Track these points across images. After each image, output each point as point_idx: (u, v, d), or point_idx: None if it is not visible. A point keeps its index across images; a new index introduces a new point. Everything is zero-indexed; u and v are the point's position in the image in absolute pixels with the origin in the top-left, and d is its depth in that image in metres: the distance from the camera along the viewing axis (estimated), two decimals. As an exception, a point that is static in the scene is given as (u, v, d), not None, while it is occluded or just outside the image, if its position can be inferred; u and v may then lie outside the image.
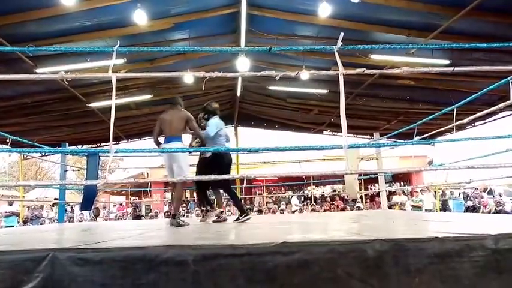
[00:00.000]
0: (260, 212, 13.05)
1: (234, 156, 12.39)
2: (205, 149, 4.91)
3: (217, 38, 7.98)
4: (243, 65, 7.91)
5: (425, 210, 11.49)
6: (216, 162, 4.75)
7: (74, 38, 6.50)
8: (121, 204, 16.20)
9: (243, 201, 14.81)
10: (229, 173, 4.98)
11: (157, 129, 4.48)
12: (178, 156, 4.27)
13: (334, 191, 16.40)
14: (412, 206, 12.25)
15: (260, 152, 3.37)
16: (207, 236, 2.91)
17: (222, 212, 5.28)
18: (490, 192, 13.80)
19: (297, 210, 14.03)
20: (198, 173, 5.12)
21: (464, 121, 5.53)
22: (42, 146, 7.94)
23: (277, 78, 3.10)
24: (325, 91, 9.90)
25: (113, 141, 3.02)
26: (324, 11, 6.22)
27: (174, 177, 4.22)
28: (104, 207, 14.27)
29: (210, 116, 5.12)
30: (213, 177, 3.40)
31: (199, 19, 6.90)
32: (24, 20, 5.75)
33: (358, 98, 10.03)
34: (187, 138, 4.99)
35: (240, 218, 4.82)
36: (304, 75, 3.45)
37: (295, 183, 15.53)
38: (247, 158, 13.51)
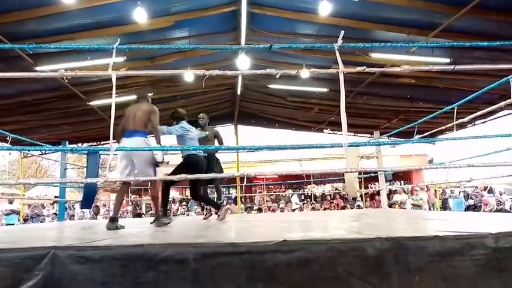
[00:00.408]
0: (260, 210, 13.07)
1: (231, 156, 12.46)
2: (213, 147, 4.92)
3: (217, 36, 7.97)
4: (243, 63, 7.90)
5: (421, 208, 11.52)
6: (186, 167, 4.60)
7: (74, 36, 6.49)
8: (121, 203, 16.16)
9: (243, 199, 14.86)
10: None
11: (121, 124, 4.12)
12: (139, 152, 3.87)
13: (336, 189, 16.40)
14: (412, 204, 12.27)
15: (260, 150, 3.36)
16: (207, 234, 2.91)
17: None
18: (491, 191, 13.79)
19: (297, 208, 14.05)
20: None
21: (465, 120, 5.52)
22: (43, 144, 7.94)
23: (277, 76, 3.10)
24: (325, 89, 9.89)
25: (113, 139, 3.02)
26: (325, 9, 6.21)
27: (132, 173, 3.93)
28: (104, 205, 14.27)
29: (179, 121, 5.06)
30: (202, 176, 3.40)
31: (199, 17, 6.89)
32: (24, 18, 5.74)
33: (358, 96, 10.03)
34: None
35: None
36: (305, 73, 3.45)
37: (296, 181, 15.53)
38: (247, 156, 13.52)
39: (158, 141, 4.08)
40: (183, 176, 3.18)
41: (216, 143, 5.88)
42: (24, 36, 6.12)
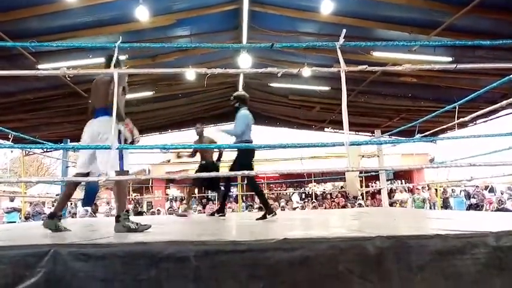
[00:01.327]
0: (260, 209, 13.07)
1: (231, 154, 12.47)
2: (214, 146, 4.93)
3: (219, 34, 7.97)
4: (244, 62, 7.90)
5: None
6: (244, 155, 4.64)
7: (76, 34, 6.49)
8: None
9: (244, 198, 14.87)
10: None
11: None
12: (107, 136, 3.11)
13: (342, 187, 16.39)
14: (413, 203, 12.30)
15: (262, 149, 3.36)
16: (208, 232, 2.91)
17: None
18: (492, 190, 13.79)
19: (297, 207, 14.06)
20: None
21: (466, 119, 5.52)
22: (44, 142, 7.95)
23: (279, 75, 3.10)
24: (327, 88, 9.89)
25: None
26: (326, 7, 6.21)
27: (95, 166, 3.35)
28: (108, 203, 14.29)
29: (242, 106, 4.95)
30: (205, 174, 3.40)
31: (201, 15, 6.88)
32: (27, 16, 5.74)
33: (360, 95, 10.02)
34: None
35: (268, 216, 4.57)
36: (306, 72, 3.45)
37: (296, 180, 15.54)
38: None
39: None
40: (183, 175, 3.20)
41: (215, 152, 6.18)
42: (26, 34, 6.13)
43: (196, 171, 5.66)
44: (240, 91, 5.25)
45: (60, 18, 6.07)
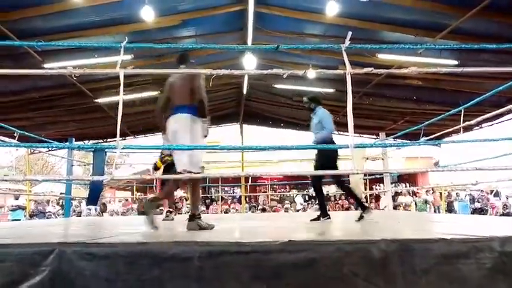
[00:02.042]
0: (264, 210, 13.08)
1: (236, 155, 12.45)
2: (219, 147, 4.92)
3: (224, 35, 7.98)
4: (249, 63, 7.91)
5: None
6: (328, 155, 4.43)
7: (82, 34, 6.52)
8: (126, 200, 16.28)
9: (247, 199, 14.90)
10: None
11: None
12: (185, 133, 3.19)
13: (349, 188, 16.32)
14: (416, 206, 12.27)
15: (266, 150, 3.36)
16: (212, 233, 2.92)
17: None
18: (497, 195, 13.71)
19: (301, 209, 14.04)
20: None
21: (472, 122, 5.49)
22: (50, 140, 8.00)
23: (284, 76, 3.09)
24: (331, 90, 9.87)
25: (119, 137, 3.02)
26: (332, 9, 6.20)
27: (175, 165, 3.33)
28: (110, 202, 14.36)
29: (316, 106, 4.87)
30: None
31: (206, 16, 6.90)
32: (33, 15, 5.78)
33: (364, 97, 9.99)
34: None
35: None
36: (311, 74, 3.44)
37: (300, 182, 15.51)
38: (252, 156, 13.51)
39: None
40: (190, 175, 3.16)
41: None
42: (32, 33, 6.17)
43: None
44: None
45: (67, 18, 6.10)
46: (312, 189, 4.87)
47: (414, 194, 14.23)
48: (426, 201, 12.18)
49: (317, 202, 5.21)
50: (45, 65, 6.80)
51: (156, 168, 5.60)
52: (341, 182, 4.87)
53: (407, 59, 7.42)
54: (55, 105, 9.18)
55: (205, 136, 3.37)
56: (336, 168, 4.40)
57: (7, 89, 7.87)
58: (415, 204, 12.67)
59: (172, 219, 5.37)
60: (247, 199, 14.09)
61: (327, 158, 4.47)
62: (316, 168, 4.66)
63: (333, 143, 4.52)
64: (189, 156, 3.14)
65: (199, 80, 3.31)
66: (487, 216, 9.40)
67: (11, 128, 6.08)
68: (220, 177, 14.46)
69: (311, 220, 4.50)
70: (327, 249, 1.99)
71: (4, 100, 8.25)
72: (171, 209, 5.70)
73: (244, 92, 11.42)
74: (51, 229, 3.96)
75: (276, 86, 10.66)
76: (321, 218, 4.51)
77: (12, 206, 11.63)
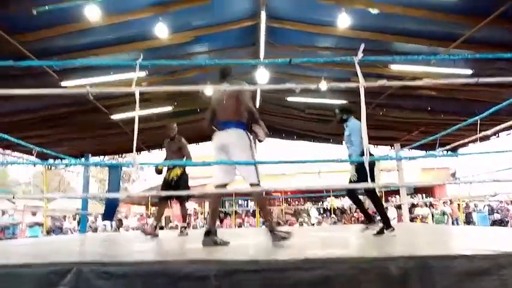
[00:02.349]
0: (278, 224, 12.98)
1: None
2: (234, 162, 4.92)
3: (236, 50, 8.05)
4: (262, 77, 7.95)
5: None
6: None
7: (98, 52, 6.66)
8: (141, 215, 16.37)
9: (261, 213, 14.78)
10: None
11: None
12: (241, 147, 3.27)
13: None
14: (434, 218, 12.03)
15: (280, 164, 3.36)
16: (228, 250, 2.90)
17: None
18: (517, 205, 13.38)
19: (316, 222, 13.91)
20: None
21: (489, 132, 5.41)
22: (66, 157, 8.13)
23: (297, 91, 3.11)
24: (344, 101, 9.83)
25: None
26: (343, 22, 6.21)
27: (231, 178, 3.36)
28: (126, 217, 14.45)
29: (349, 116, 4.79)
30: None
31: (219, 32, 6.98)
32: (52, 35, 5.92)
33: (378, 108, 9.92)
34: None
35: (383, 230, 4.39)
36: (324, 86, 3.45)
37: (315, 195, 15.40)
38: (266, 169, 13.48)
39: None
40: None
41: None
42: (50, 52, 6.32)
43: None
44: (343, 103, 5.14)
45: (83, 36, 6.23)
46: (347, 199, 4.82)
47: (431, 205, 13.99)
48: (444, 213, 11.93)
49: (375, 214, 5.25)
50: (63, 83, 6.94)
51: (158, 172, 5.52)
52: (372, 193, 4.72)
53: (421, 69, 7.36)
54: (71, 122, 9.34)
55: (261, 141, 3.51)
56: (372, 179, 4.26)
57: (26, 107, 8.05)
58: (432, 216, 12.43)
59: (187, 234, 5.37)
60: (261, 213, 14.02)
61: (360, 169, 4.41)
62: (350, 180, 4.61)
63: (371, 155, 4.43)
64: (256, 170, 3.22)
65: (246, 93, 3.37)
66: (507, 228, 9.16)
67: (29, 145, 6.21)
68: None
69: (374, 235, 4.35)
70: (343, 266, 1.96)
71: (23, 118, 8.43)
72: (185, 225, 5.66)
73: (257, 105, 11.46)
74: (68, 246, 4.00)
75: (288, 98, 10.67)
76: (385, 231, 4.35)
77: (30, 222, 11.80)
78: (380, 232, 4.38)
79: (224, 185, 3.31)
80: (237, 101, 3.33)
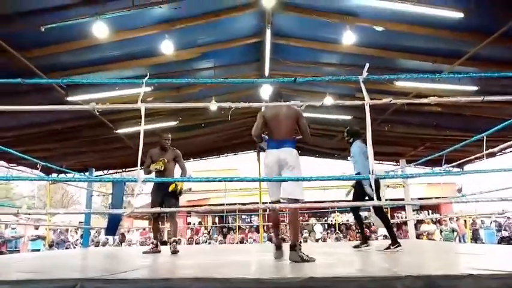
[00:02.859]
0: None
1: (253, 183, 12.39)
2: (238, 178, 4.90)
3: (241, 66, 8.12)
4: (266, 93, 8.00)
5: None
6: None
7: (104, 68, 6.73)
8: (144, 229, 16.28)
9: (265, 228, 14.72)
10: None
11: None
12: (296, 165, 3.37)
13: (365, 218, 15.97)
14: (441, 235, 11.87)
15: (285, 181, 3.36)
16: (233, 268, 2.88)
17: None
18: (524, 222, 13.19)
19: (320, 238, 13.77)
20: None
21: (495, 149, 5.37)
22: (71, 171, 8.14)
23: (302, 108, 3.12)
24: (349, 117, 9.85)
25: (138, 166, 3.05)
26: (348, 39, 6.26)
27: (280, 193, 3.35)
28: (128, 232, 14.39)
29: (355, 139, 5.11)
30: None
31: (224, 49, 7.06)
32: (59, 52, 6.01)
33: (383, 124, 9.93)
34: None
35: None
36: (329, 102, 3.46)
37: (319, 210, 15.29)
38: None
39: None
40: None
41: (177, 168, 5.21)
42: (57, 68, 6.41)
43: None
44: (351, 125, 5.39)
45: (90, 53, 6.32)
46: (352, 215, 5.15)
47: (438, 222, 13.83)
48: (454, 230, 11.77)
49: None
50: (69, 98, 7.01)
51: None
52: (380, 211, 4.96)
53: (426, 85, 7.37)
54: (76, 136, 9.40)
55: None
56: (378, 197, 4.39)
57: (31, 121, 8.12)
58: (440, 232, 12.27)
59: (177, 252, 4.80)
60: (264, 228, 13.93)
61: (360, 186, 4.74)
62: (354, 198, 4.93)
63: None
64: (301, 187, 3.35)
65: (303, 116, 3.63)
66: (515, 246, 9.03)
67: (34, 159, 6.24)
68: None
69: (381, 251, 4.58)
70: (350, 286, 1.93)
71: (28, 132, 8.49)
72: (176, 239, 5.18)
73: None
74: (71, 261, 3.98)
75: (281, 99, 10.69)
76: (391, 247, 4.57)
77: (33, 236, 11.76)
78: (387, 248, 4.58)
79: (278, 201, 3.42)
80: (294, 122, 3.52)
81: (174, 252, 4.50)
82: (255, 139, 3.69)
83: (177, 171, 5.12)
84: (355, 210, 5.43)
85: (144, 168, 4.80)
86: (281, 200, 3.38)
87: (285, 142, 3.43)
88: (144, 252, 4.63)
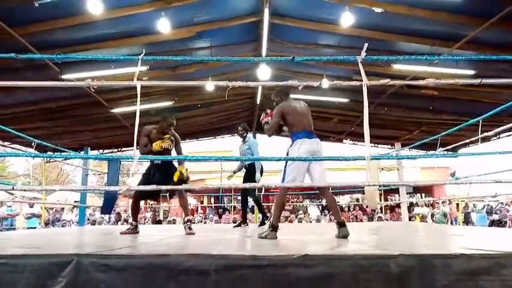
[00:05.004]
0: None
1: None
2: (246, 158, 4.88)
3: (238, 46, 8.04)
4: (264, 73, 7.94)
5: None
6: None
7: (99, 45, 6.64)
8: (140, 209, 16.35)
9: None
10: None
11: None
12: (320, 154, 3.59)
13: (357, 200, 16.12)
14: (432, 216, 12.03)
15: (281, 161, 3.37)
16: (229, 246, 2.90)
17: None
18: (516, 206, 13.37)
19: (314, 219, 13.91)
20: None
21: (490, 133, 5.40)
22: (66, 150, 8.11)
23: (299, 88, 3.10)
24: (346, 100, 9.83)
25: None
26: (347, 20, 6.19)
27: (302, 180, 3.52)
28: (125, 211, 14.43)
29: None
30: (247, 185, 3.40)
31: (221, 28, 6.97)
32: (53, 28, 5.91)
33: (379, 107, 9.92)
34: None
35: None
36: (326, 84, 3.45)
37: (314, 192, 15.37)
38: (266, 165, 13.45)
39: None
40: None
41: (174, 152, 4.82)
42: (51, 45, 6.31)
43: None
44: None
45: (84, 30, 6.22)
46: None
47: (431, 205, 13.99)
48: (445, 214, 11.92)
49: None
50: (63, 76, 6.93)
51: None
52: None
53: (423, 69, 7.36)
54: (71, 114, 9.34)
55: None
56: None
57: (26, 99, 8.04)
58: (432, 216, 12.43)
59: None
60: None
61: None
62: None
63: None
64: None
65: None
66: (506, 229, 9.18)
67: (29, 137, 6.20)
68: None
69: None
70: (344, 263, 1.96)
71: (22, 110, 8.42)
72: (191, 218, 4.87)
73: (258, 101, 11.45)
74: (67, 239, 4.00)
75: (290, 96, 10.66)
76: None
77: (27, 214, 11.80)
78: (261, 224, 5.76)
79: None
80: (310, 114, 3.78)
81: (190, 233, 4.14)
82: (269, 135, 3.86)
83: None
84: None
85: (142, 148, 4.26)
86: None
87: (314, 134, 3.63)
88: (121, 233, 4.31)
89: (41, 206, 11.75)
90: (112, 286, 1.93)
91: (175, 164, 4.35)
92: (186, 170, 4.03)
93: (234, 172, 6.44)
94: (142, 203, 4.52)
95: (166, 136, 4.32)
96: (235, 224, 6.45)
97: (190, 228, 4.21)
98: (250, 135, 6.18)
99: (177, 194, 4.45)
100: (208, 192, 17.30)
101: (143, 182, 4.22)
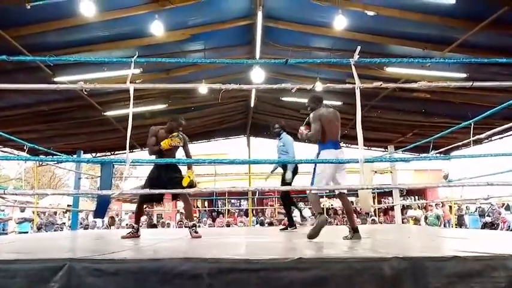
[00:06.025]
0: (271, 224, 12.97)
1: (243, 167, 12.43)
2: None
3: (232, 49, 8.04)
4: (257, 76, 7.94)
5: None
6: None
7: (92, 48, 6.60)
8: (133, 213, 16.24)
9: (254, 212, 14.81)
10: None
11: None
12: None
13: (352, 203, 16.10)
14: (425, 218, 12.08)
15: (274, 164, 3.37)
16: (222, 249, 2.89)
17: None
18: (508, 208, 13.49)
19: (308, 223, 13.90)
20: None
21: (482, 136, 5.44)
22: (58, 153, 8.05)
23: (293, 91, 3.11)
24: (339, 103, 9.86)
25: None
26: (340, 23, 6.22)
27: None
28: (117, 215, 14.32)
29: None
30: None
31: (215, 30, 6.97)
32: (45, 30, 5.87)
33: (372, 110, 9.97)
34: None
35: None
36: (320, 87, 3.46)
37: (307, 195, 15.38)
38: (260, 168, 13.46)
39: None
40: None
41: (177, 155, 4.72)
42: (43, 47, 6.27)
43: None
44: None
45: (77, 32, 6.18)
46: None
47: (424, 207, 14.05)
48: (438, 217, 11.97)
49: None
50: (56, 79, 6.88)
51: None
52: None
53: (415, 72, 7.40)
54: (64, 118, 9.27)
55: None
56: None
57: (17, 102, 7.97)
58: (425, 219, 12.49)
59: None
60: (253, 212, 14.01)
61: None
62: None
63: None
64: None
65: None
66: (498, 231, 9.25)
67: (20, 141, 6.15)
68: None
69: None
70: (338, 266, 1.96)
71: (14, 113, 8.35)
72: (195, 223, 4.79)
73: (252, 104, 11.45)
74: (59, 243, 3.96)
75: (283, 98, 10.68)
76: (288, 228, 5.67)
77: (19, 218, 11.65)
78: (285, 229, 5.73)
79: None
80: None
81: (196, 237, 4.10)
82: (309, 142, 4.10)
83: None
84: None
85: (150, 147, 4.23)
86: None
87: (339, 143, 3.89)
88: (123, 237, 4.31)
89: (32, 211, 11.61)
90: (105, 291, 1.91)
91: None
92: (192, 172, 4.05)
93: (272, 172, 6.41)
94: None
95: (174, 134, 4.25)
96: (282, 227, 6.11)
97: (196, 232, 4.20)
98: (284, 133, 6.01)
99: (181, 199, 4.42)
100: (201, 195, 17.25)
101: (149, 185, 4.12)
